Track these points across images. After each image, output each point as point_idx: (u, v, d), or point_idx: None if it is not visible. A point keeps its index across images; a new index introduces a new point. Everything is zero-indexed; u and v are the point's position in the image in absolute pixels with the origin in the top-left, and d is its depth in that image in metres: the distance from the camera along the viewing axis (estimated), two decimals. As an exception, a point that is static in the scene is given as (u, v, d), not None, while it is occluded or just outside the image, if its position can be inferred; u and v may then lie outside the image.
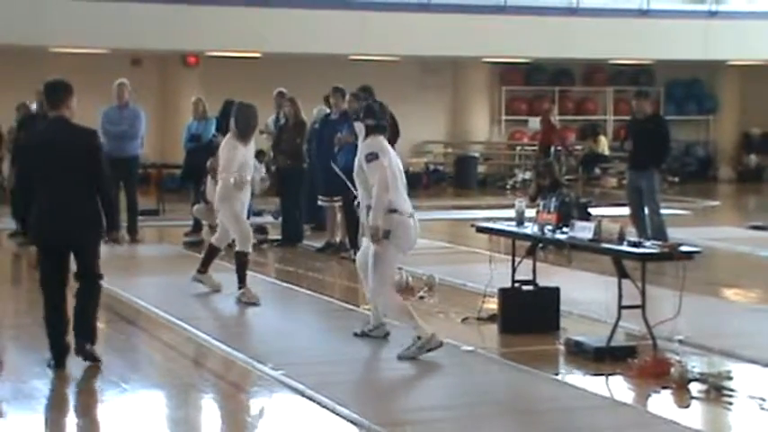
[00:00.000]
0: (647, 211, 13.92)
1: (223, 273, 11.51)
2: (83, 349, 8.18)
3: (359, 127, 8.82)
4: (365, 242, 8.98)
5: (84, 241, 8.14)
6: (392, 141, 9.20)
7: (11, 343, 9.08)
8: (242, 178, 10.72)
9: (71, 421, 7.12)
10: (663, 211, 14.19)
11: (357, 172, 8.78)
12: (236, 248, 10.95)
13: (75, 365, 8.50)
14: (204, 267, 11.38)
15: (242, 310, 10.63)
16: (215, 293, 11.23)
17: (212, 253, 11.37)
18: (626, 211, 14.35)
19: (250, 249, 11.03)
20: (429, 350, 8.37)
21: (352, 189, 9.09)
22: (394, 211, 8.53)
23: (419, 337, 8.42)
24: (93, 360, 8.22)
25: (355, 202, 9.09)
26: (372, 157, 8.58)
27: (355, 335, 9.11)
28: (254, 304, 10.65)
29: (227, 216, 10.98)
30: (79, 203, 8.01)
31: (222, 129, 16.49)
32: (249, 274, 11.19)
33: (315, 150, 14.96)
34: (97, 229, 8.15)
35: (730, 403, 7.34)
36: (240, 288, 10.83)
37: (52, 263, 8.14)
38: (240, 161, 10.79)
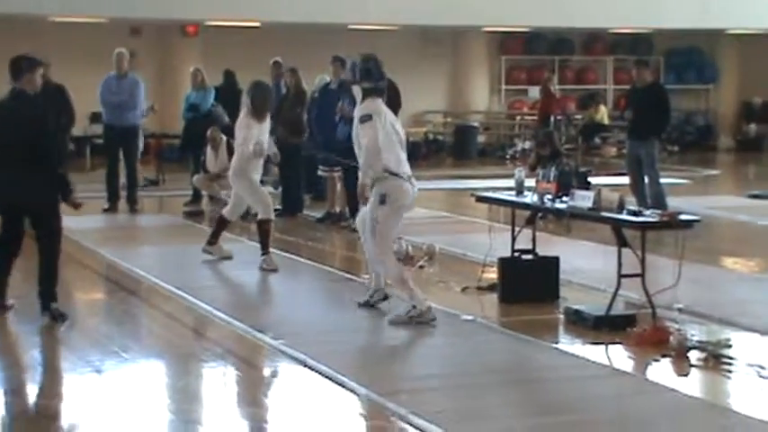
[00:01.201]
0: (646, 179, 13.91)
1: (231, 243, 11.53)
2: (48, 308, 8.63)
3: (357, 90, 8.77)
4: (363, 208, 8.98)
5: (35, 208, 8.67)
6: (394, 111, 9.21)
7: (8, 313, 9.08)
8: (261, 146, 10.78)
9: (70, 391, 7.13)
10: (662, 180, 14.19)
11: (355, 137, 8.77)
12: (259, 217, 11.03)
13: (74, 336, 8.53)
14: (214, 238, 11.43)
15: (241, 280, 10.64)
16: (217, 262, 11.22)
17: (222, 224, 11.43)
18: (626, 180, 14.34)
19: (272, 216, 11.11)
20: (420, 323, 8.40)
21: (346, 162, 9.14)
22: (392, 174, 8.52)
23: (414, 307, 8.46)
24: (61, 318, 8.61)
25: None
26: (366, 118, 8.56)
27: (359, 305, 9.09)
28: (273, 271, 10.75)
29: (245, 188, 11.02)
30: (30, 172, 8.46)
31: (222, 99, 16.53)
32: (249, 243, 11.20)
33: (314, 120, 14.93)
34: (48, 197, 8.63)
35: (729, 371, 7.35)
36: (263, 255, 10.88)
37: (9, 224, 8.81)
38: (256, 138, 10.82)
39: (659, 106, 13.89)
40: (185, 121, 16.61)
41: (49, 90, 14.73)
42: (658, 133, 14.15)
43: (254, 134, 10.82)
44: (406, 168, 8.66)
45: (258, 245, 11.04)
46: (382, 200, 8.51)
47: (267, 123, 11.13)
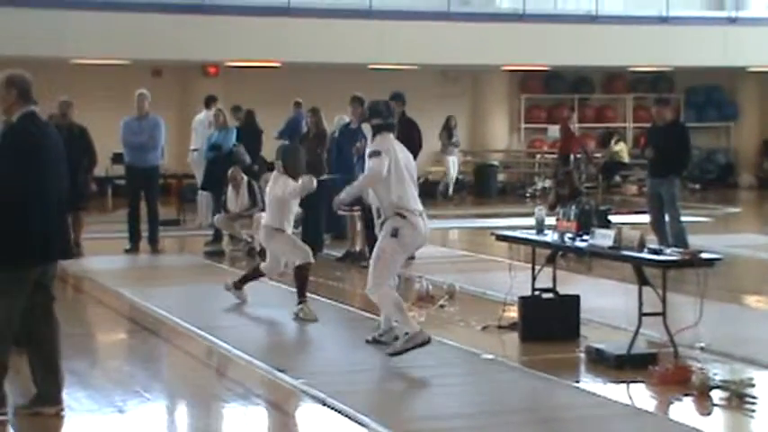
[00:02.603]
0: (667, 218, 13.88)
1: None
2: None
3: (366, 128, 8.89)
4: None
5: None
6: (414, 151, 9.28)
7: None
8: (311, 180, 10.67)
9: (93, 431, 7.14)
10: (683, 219, 14.15)
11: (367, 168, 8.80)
12: (297, 263, 10.60)
13: (96, 376, 8.56)
14: (241, 284, 11.20)
15: (262, 320, 10.65)
16: (236, 303, 11.22)
17: (255, 276, 11.16)
18: (646, 218, 14.31)
19: (312, 260, 10.69)
20: (416, 345, 8.41)
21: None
22: (403, 212, 8.57)
23: (405, 333, 8.52)
24: None
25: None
26: (375, 154, 8.62)
27: (367, 342, 9.11)
28: (312, 321, 10.32)
29: (278, 246, 10.74)
30: None
31: (242, 139, 16.63)
32: (269, 283, 11.21)
33: (334, 160, 14.99)
34: None
35: (752, 410, 7.31)
36: (299, 303, 10.49)
37: None
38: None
39: (680, 144, 13.88)
40: (206, 160, 16.70)
41: (73, 131, 14.92)
42: (679, 171, 14.13)
43: (289, 190, 10.61)
44: (417, 205, 8.72)
45: (294, 290, 10.63)
46: (394, 233, 8.55)
47: (300, 181, 10.80)
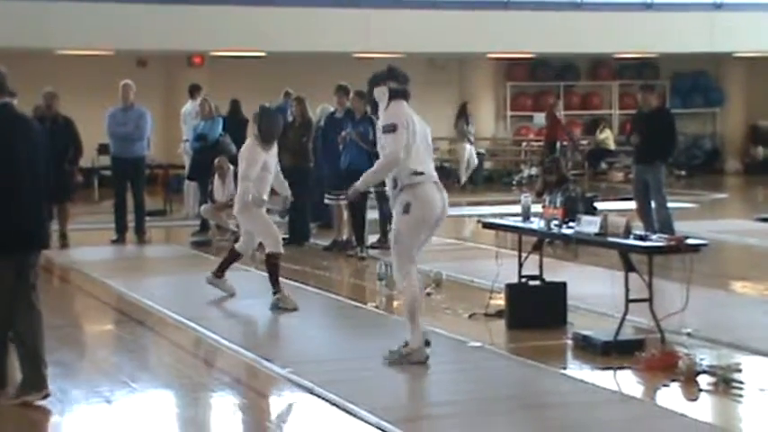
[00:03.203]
0: (653, 204, 13.91)
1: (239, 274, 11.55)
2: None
3: (381, 91, 8.09)
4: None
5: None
6: None
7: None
8: (260, 195, 10.33)
9: (80, 422, 7.14)
10: (670, 205, 14.19)
11: (379, 143, 8.15)
12: (267, 250, 10.53)
13: (84, 367, 8.55)
14: (221, 271, 11.02)
15: (249, 310, 10.63)
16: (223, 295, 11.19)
17: (233, 258, 11.00)
18: (632, 205, 14.34)
19: (281, 250, 10.61)
20: (411, 362, 7.98)
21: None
22: (419, 174, 7.95)
23: (406, 344, 8.05)
24: None
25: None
26: (390, 128, 7.90)
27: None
28: (293, 309, 10.25)
29: (250, 223, 10.63)
30: None
31: (228, 129, 16.60)
32: (257, 273, 11.20)
33: (320, 149, 14.99)
34: None
35: (739, 396, 7.33)
36: (275, 293, 10.39)
37: None
38: (262, 165, 10.43)
39: (665, 131, 13.91)
40: (192, 150, 16.67)
41: (58, 122, 14.88)
42: (665, 158, 14.15)
43: (260, 161, 10.38)
44: (434, 175, 8.12)
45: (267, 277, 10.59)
46: (406, 209, 7.94)
47: (275, 151, 10.74)
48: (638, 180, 14.18)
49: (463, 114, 24.37)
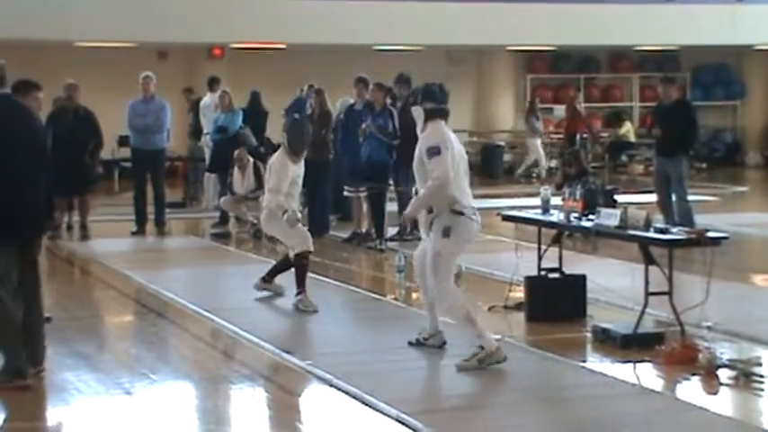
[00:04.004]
0: (674, 197, 13.86)
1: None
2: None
3: (417, 111, 7.97)
4: (423, 243, 8.30)
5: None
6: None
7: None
8: (295, 214, 10.17)
9: (101, 413, 7.17)
10: (690, 198, 14.14)
11: (417, 164, 7.95)
12: (297, 250, 10.28)
13: (104, 359, 8.58)
14: (271, 277, 10.75)
15: (269, 302, 10.65)
16: (245, 285, 11.13)
17: (285, 265, 10.66)
18: (653, 198, 14.30)
19: (311, 248, 10.38)
20: (491, 364, 7.75)
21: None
22: (458, 206, 7.83)
23: (481, 348, 7.79)
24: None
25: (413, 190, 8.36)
26: (435, 151, 7.73)
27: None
28: (313, 312, 10.02)
29: (276, 229, 10.47)
30: None
31: (248, 121, 16.63)
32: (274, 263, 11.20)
33: (340, 141, 15.00)
34: None
35: (760, 389, 7.32)
36: (298, 293, 10.19)
37: None
38: (291, 179, 10.28)
39: (687, 123, 13.85)
40: (213, 143, 16.70)
41: (79, 114, 14.94)
42: (686, 150, 14.08)
43: (290, 174, 10.21)
44: (470, 201, 7.98)
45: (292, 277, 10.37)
46: (446, 233, 7.81)
47: (302, 163, 10.51)
48: (659, 172, 14.13)
49: (533, 110, 24.23)
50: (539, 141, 24.40)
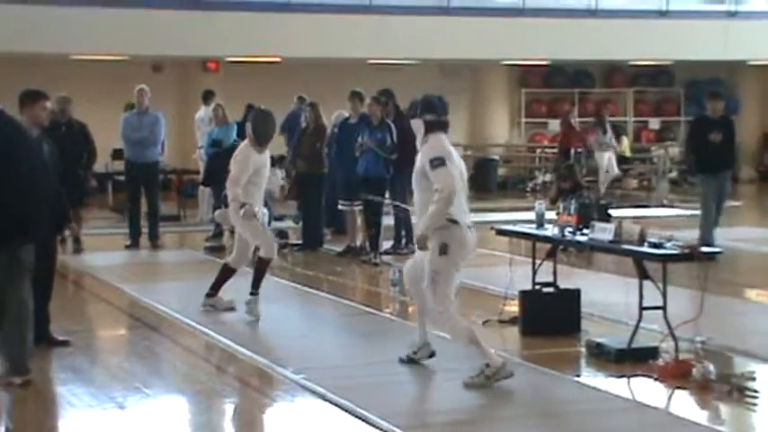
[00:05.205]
0: (714, 212, 13.71)
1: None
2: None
3: (416, 124, 7.89)
4: (417, 254, 8.28)
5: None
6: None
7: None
8: (252, 207, 10.08)
9: (93, 427, 7.14)
10: (683, 213, 14.11)
11: (417, 177, 7.84)
12: (260, 254, 10.41)
13: (97, 372, 8.55)
14: (214, 290, 10.73)
15: (262, 315, 10.60)
16: (237, 299, 11.12)
17: (226, 274, 10.71)
18: (646, 212, 14.28)
19: (274, 256, 10.58)
20: (498, 380, 7.68)
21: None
22: (453, 222, 7.73)
23: (487, 365, 7.71)
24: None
25: (411, 210, 8.41)
26: (439, 162, 7.62)
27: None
28: (256, 318, 10.19)
29: (245, 227, 10.38)
30: None
31: (243, 134, 16.62)
32: (269, 277, 11.19)
33: (334, 155, 15.00)
34: None
35: (754, 404, 7.31)
36: (252, 294, 10.30)
37: None
38: (252, 170, 10.20)
39: (733, 138, 13.80)
40: (207, 156, 16.70)
41: (72, 127, 14.92)
42: (733, 165, 13.95)
43: (251, 166, 10.14)
44: (468, 217, 7.88)
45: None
46: (443, 250, 7.70)
47: (267, 154, 10.47)
48: (710, 191, 13.77)
49: (600, 123, 23.48)
50: (606, 156, 23.17)
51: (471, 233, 7.89)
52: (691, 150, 14.32)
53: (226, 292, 10.74)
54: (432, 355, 8.35)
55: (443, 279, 7.78)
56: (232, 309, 10.66)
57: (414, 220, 8.24)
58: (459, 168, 7.85)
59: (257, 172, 10.29)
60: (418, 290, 8.12)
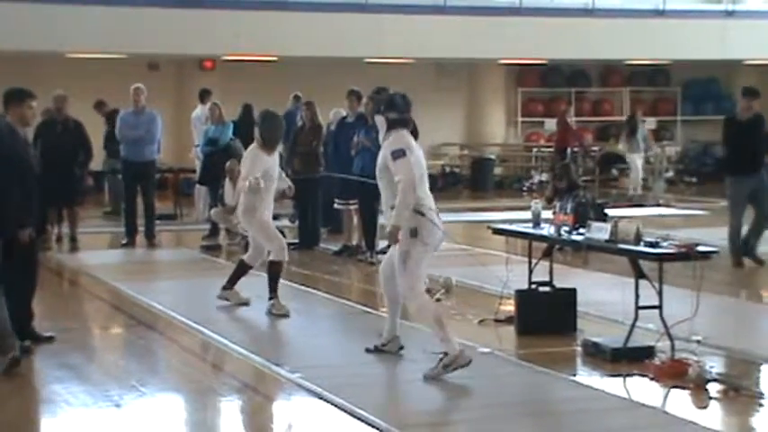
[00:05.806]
0: (757, 214, 13.28)
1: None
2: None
3: (380, 121, 8.23)
4: (391, 250, 8.39)
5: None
6: None
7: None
8: (257, 181, 10.22)
9: (89, 425, 7.14)
10: (680, 212, 14.09)
11: (381, 171, 8.15)
12: (270, 257, 10.50)
13: (93, 370, 8.55)
14: (231, 284, 10.91)
15: (258, 314, 10.63)
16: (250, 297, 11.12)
17: (242, 270, 10.89)
18: (642, 212, 14.27)
19: (285, 258, 10.61)
20: (456, 369, 7.87)
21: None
22: (420, 208, 7.98)
23: (445, 354, 7.91)
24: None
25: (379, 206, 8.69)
26: (399, 153, 7.95)
27: (368, 350, 8.63)
28: (285, 316, 10.30)
29: (256, 228, 10.55)
30: None
31: (240, 133, 16.62)
32: (265, 276, 11.17)
33: (331, 154, 15.00)
34: None
35: (749, 403, 7.31)
36: (270, 299, 10.44)
37: None
38: (263, 171, 10.32)
39: (763, 138, 13.23)
40: (203, 155, 16.69)
41: (68, 125, 14.92)
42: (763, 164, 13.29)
43: (260, 166, 10.30)
44: (432, 202, 8.15)
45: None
46: (413, 233, 7.92)
47: (276, 156, 10.68)
48: (744, 193, 13.17)
49: (630, 124, 23.10)
50: (637, 157, 22.90)
51: (437, 216, 8.10)
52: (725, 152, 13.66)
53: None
54: (400, 348, 8.54)
55: (414, 261, 7.97)
56: (245, 304, 10.85)
57: (381, 219, 8.34)
58: (418, 160, 8.09)
59: (267, 173, 10.40)
60: (392, 286, 8.33)
